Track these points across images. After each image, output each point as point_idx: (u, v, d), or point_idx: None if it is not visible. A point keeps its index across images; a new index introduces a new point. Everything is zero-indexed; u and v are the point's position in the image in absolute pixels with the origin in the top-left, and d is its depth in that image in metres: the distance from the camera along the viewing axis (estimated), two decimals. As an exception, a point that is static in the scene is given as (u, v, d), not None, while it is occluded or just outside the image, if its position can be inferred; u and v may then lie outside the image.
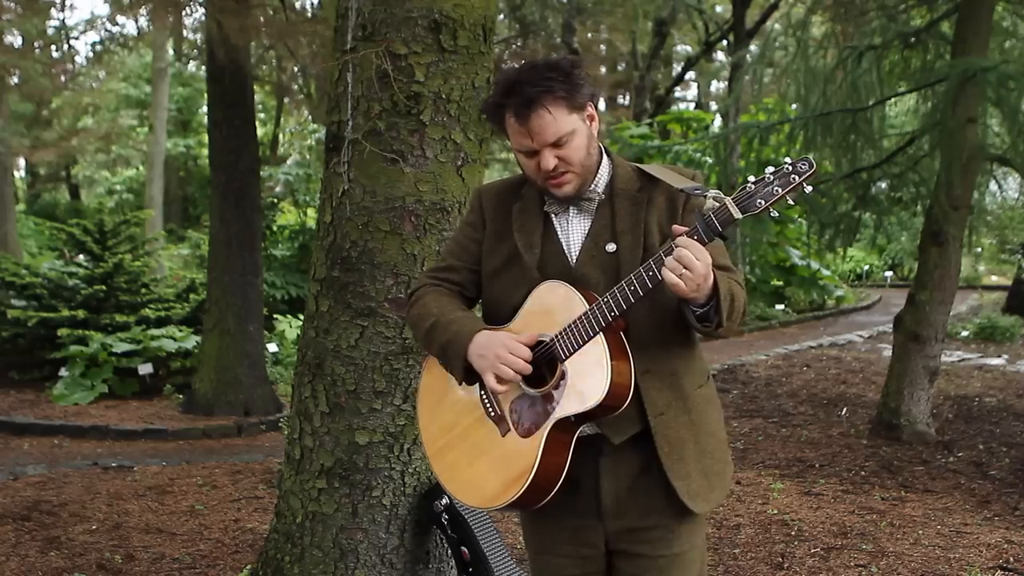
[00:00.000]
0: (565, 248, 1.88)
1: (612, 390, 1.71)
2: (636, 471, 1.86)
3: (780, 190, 1.62)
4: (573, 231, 1.89)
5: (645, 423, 1.82)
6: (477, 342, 1.82)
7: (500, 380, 1.77)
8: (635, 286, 1.70)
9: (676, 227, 1.69)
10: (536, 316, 1.83)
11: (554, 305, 1.80)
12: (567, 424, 1.77)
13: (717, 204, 1.65)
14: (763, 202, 1.62)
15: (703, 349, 1.99)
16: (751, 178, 1.65)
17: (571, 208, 1.89)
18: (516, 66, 1.85)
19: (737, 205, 1.63)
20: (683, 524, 1.88)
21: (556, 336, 1.78)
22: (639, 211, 1.84)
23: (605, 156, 1.92)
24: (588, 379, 1.73)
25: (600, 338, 1.73)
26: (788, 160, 1.64)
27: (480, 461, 1.88)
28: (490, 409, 1.87)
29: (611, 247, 1.83)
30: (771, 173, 1.63)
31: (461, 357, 1.83)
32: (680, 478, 1.83)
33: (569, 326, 1.75)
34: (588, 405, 1.72)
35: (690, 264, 1.61)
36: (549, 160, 1.79)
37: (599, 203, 1.88)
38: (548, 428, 1.77)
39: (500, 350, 1.78)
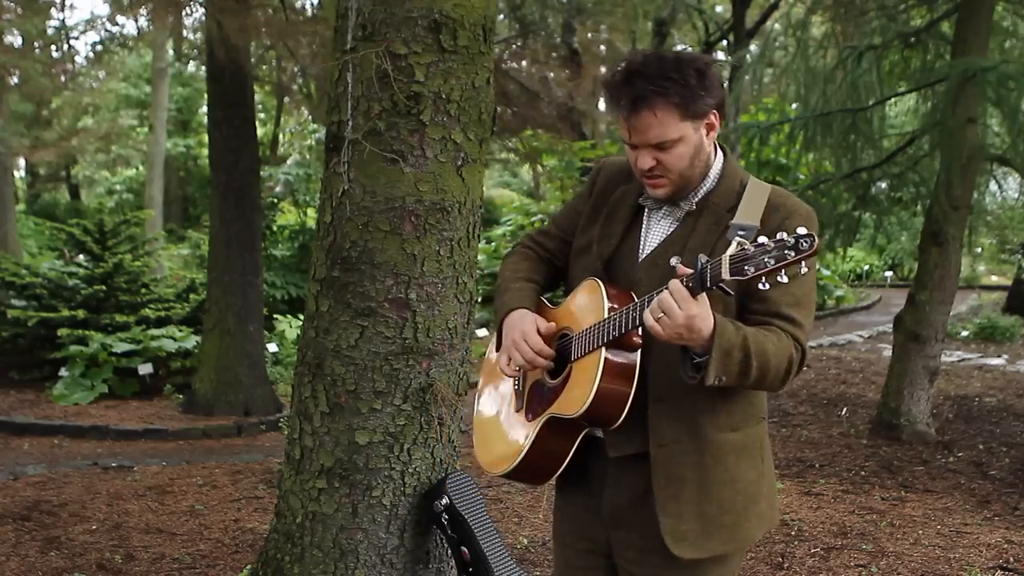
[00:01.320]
0: (640, 247, 1.83)
1: (593, 406, 1.67)
2: (638, 491, 1.80)
3: (772, 262, 1.46)
4: (654, 233, 1.83)
5: (647, 448, 1.76)
6: (511, 319, 1.87)
7: (511, 363, 1.82)
8: (635, 314, 1.64)
9: (680, 268, 1.58)
10: (573, 309, 1.84)
11: (586, 304, 1.79)
12: (567, 422, 1.77)
13: (730, 253, 1.51)
14: (752, 270, 1.47)
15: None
16: (761, 239, 1.49)
17: (664, 208, 1.82)
18: (646, 53, 1.75)
19: (730, 265, 1.49)
20: (687, 561, 1.76)
21: (578, 335, 1.78)
22: (717, 231, 1.73)
23: (720, 164, 1.81)
24: (579, 388, 1.72)
25: (601, 353, 1.69)
26: (799, 232, 1.46)
27: (498, 426, 1.95)
28: (517, 382, 1.92)
29: (675, 260, 1.72)
30: (774, 242, 1.47)
31: (498, 327, 1.90)
32: (669, 515, 1.74)
33: (587, 329, 1.75)
34: (570, 412, 1.72)
35: (669, 310, 1.53)
36: (646, 160, 1.73)
37: (687, 213, 1.79)
38: (543, 420, 1.79)
39: (517, 335, 1.81)
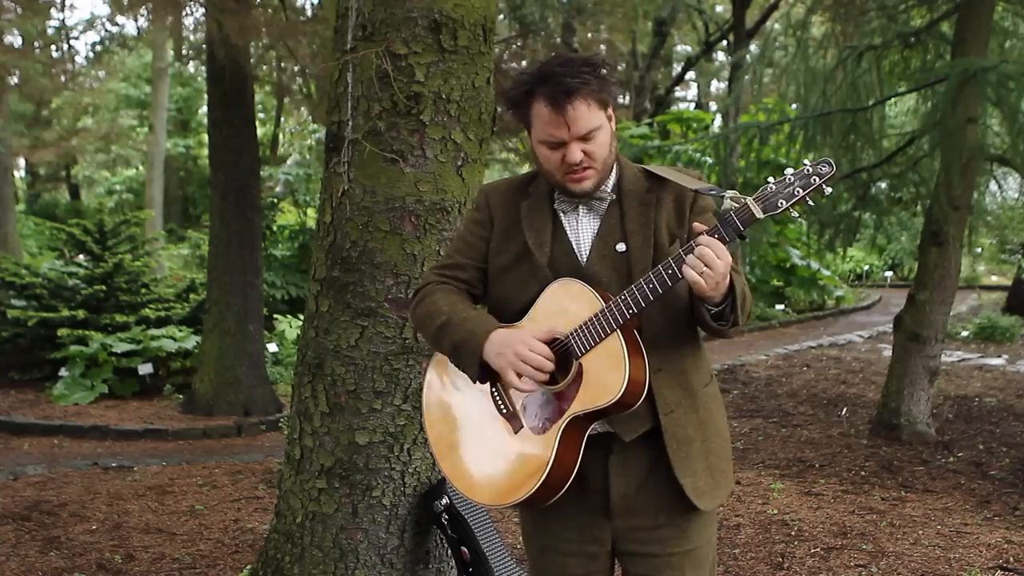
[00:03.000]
0: (575, 247, 1.88)
1: (629, 387, 1.72)
2: (645, 470, 1.87)
3: (801, 191, 1.63)
4: (582, 230, 1.89)
5: (655, 421, 1.83)
6: (494, 340, 1.80)
7: (522, 378, 1.77)
8: (654, 284, 1.71)
9: (697, 225, 1.70)
10: (550, 313, 1.82)
11: (569, 303, 1.80)
12: (580, 421, 1.78)
13: (737, 205, 1.66)
14: (784, 203, 1.64)
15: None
16: (771, 179, 1.67)
17: (580, 207, 1.89)
18: (546, 59, 1.87)
19: (759, 204, 1.65)
20: (693, 521, 1.90)
21: (572, 333, 1.78)
22: (648, 211, 1.85)
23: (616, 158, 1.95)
24: (605, 376, 1.74)
25: (618, 335, 1.73)
26: (807, 162, 1.65)
27: (491, 458, 1.87)
28: (501, 406, 1.86)
29: (621, 247, 1.84)
30: (792, 174, 1.65)
31: (476, 356, 1.81)
32: (687, 475, 1.84)
33: (585, 323, 1.76)
34: (605, 402, 1.73)
35: (711, 262, 1.63)
36: (576, 153, 1.79)
37: (609, 203, 1.88)
38: (563, 425, 1.77)
39: (520, 348, 1.77)
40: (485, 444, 1.89)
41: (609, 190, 1.89)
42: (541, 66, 1.81)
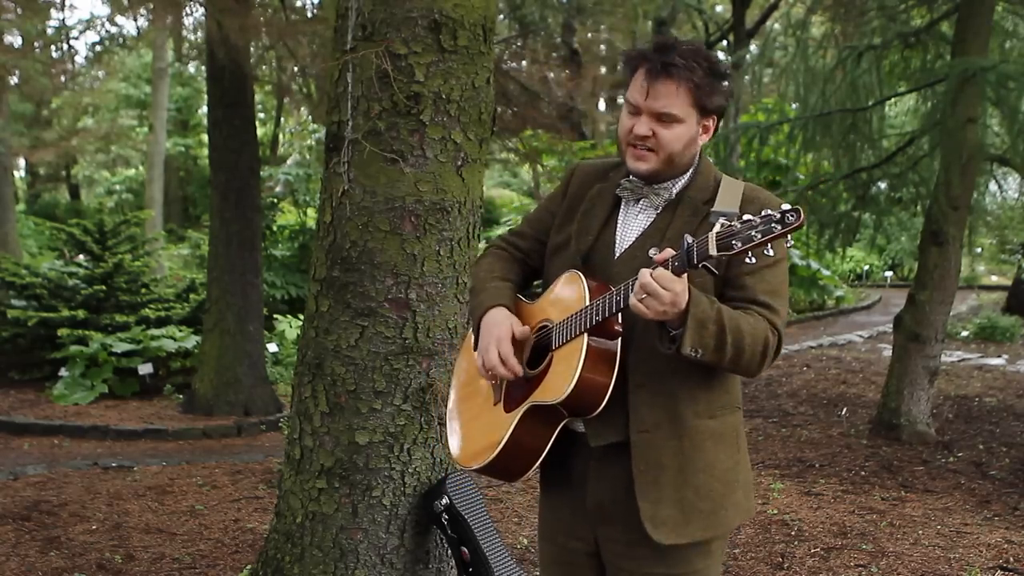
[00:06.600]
0: (617, 241, 1.87)
1: (575, 393, 1.70)
2: (621, 485, 1.81)
3: (760, 236, 1.52)
4: (631, 227, 1.87)
5: (627, 436, 1.78)
6: (488, 318, 1.88)
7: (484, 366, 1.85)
8: (619, 297, 1.68)
9: (665, 252, 1.62)
10: (552, 301, 1.87)
11: (565, 295, 1.83)
12: (546, 412, 1.78)
13: (712, 232, 1.56)
14: (739, 244, 1.52)
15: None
16: (744, 216, 1.55)
17: (641, 200, 1.86)
18: (681, 38, 1.85)
19: (717, 241, 1.54)
20: (672, 547, 1.80)
21: (556, 325, 1.81)
22: (694, 222, 1.79)
23: (695, 161, 1.87)
24: (561, 374, 1.75)
25: (583, 339, 1.72)
26: (783, 207, 1.54)
27: (474, 421, 1.96)
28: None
29: (653, 251, 1.76)
30: (760, 217, 1.53)
31: (476, 327, 1.92)
32: (648, 500, 1.76)
33: (567, 318, 1.78)
34: (551, 400, 1.74)
35: (653, 292, 1.58)
36: (644, 126, 1.77)
37: (667, 204, 1.84)
38: (523, 410, 1.80)
39: (491, 339, 1.84)
40: (474, 407, 1.98)
41: (675, 190, 1.84)
42: (667, 37, 1.82)
